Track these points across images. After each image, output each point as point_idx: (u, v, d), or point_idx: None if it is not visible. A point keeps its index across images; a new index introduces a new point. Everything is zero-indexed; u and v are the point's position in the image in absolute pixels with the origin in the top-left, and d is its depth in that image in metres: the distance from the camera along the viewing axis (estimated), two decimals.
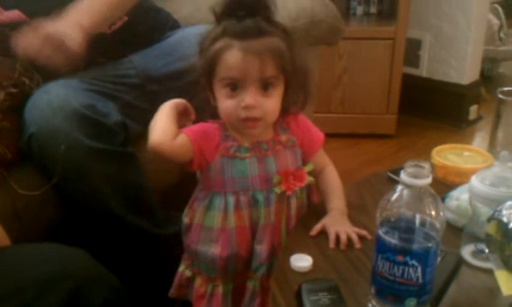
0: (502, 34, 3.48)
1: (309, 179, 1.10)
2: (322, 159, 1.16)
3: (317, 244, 1.01)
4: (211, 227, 1.07)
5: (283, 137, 1.09)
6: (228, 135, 1.06)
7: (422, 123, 2.85)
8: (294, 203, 1.09)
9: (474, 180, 0.93)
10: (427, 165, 0.74)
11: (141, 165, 1.32)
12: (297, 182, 1.08)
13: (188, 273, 1.15)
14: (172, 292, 1.19)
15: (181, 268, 1.17)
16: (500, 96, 1.28)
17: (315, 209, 1.12)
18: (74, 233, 1.26)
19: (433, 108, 2.88)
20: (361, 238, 1.01)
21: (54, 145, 1.16)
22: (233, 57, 0.98)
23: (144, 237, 1.33)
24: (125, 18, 1.43)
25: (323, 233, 1.04)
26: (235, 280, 1.11)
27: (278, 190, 1.06)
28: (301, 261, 0.94)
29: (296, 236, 1.05)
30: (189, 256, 1.14)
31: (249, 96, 0.99)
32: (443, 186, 1.14)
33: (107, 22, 1.35)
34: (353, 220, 1.07)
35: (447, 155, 1.24)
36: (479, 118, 2.93)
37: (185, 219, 1.13)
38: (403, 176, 0.73)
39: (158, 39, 1.51)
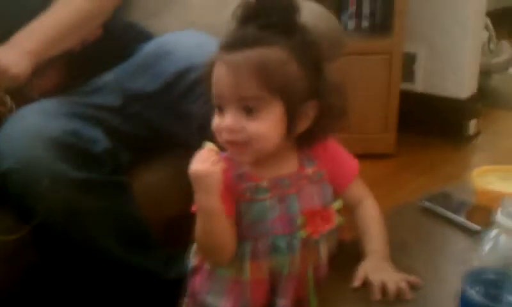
0: (492, 46, 3.39)
1: (338, 219, 0.91)
2: (358, 191, 0.96)
3: (358, 296, 0.84)
4: (223, 276, 0.89)
5: (309, 170, 0.90)
6: (241, 175, 0.87)
7: (420, 141, 2.71)
8: (323, 248, 0.90)
9: None
10: None
11: (135, 197, 1.18)
12: (325, 224, 0.89)
13: None
14: None
15: None
16: None
17: (346, 250, 0.94)
18: (55, 276, 1.14)
19: (431, 124, 2.75)
20: (412, 286, 0.84)
21: (36, 179, 1.01)
22: (217, 71, 0.83)
23: (143, 279, 1.19)
24: (99, 33, 1.28)
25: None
26: None
27: (302, 234, 0.87)
28: None
29: (330, 289, 0.87)
30: (194, 305, 0.96)
31: (228, 117, 0.81)
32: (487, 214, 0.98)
33: (59, 46, 1.20)
34: (393, 261, 0.89)
35: (488, 177, 1.09)
36: (478, 133, 2.81)
37: (193, 260, 0.95)
38: (503, 218, 0.57)
39: (131, 53, 1.32)
